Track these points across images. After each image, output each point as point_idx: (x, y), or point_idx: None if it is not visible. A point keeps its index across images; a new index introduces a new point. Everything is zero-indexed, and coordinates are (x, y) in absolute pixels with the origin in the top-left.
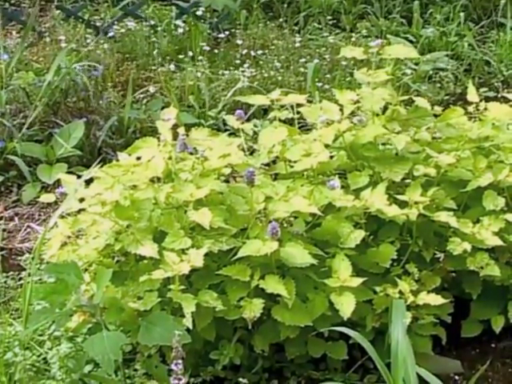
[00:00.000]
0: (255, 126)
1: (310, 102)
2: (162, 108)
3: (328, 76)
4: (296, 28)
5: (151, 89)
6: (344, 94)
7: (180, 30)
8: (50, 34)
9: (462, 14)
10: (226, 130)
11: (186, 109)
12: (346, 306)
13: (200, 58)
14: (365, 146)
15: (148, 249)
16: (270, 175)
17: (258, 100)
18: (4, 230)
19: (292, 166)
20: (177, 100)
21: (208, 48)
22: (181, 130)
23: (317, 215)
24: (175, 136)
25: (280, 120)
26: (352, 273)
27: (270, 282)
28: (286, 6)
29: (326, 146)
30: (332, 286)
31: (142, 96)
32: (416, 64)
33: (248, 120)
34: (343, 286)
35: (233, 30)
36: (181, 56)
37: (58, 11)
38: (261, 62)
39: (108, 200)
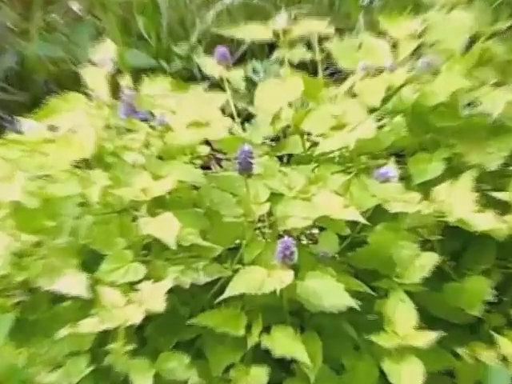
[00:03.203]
0: (254, 70)
1: (341, 31)
2: (95, 39)
3: None
4: None
5: (74, 6)
6: (397, 22)
7: None
8: None
9: None
10: (204, 80)
11: (134, 41)
12: (409, 379)
13: None
14: (437, 111)
15: (71, 282)
16: (279, 157)
17: (254, 32)
18: None
19: (314, 143)
20: (119, 26)
21: None
22: (125, 81)
23: (358, 225)
24: (116, 91)
25: (292, 65)
26: (418, 323)
27: (280, 337)
28: None
29: (372, 110)
30: (384, 345)
31: (58, 19)
32: None
33: (242, 62)
34: (403, 345)
35: None
36: None
37: None
38: None
39: (3, 199)
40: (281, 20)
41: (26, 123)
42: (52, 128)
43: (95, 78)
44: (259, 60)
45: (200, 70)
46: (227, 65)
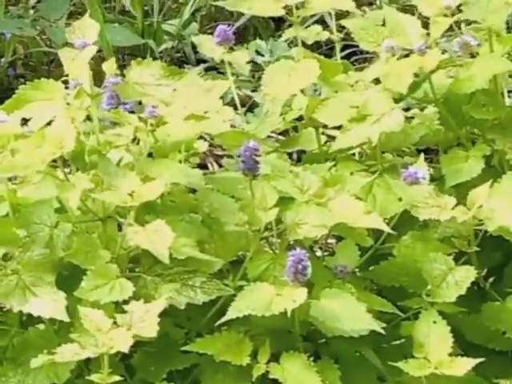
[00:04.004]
0: (258, 52)
1: (360, 5)
2: (70, 15)
3: None
4: None
5: None
6: None
7: None
8: None
9: None
10: (199, 63)
11: (119, 18)
12: None
13: None
14: (474, 100)
15: (46, 302)
16: (289, 154)
17: (263, 7)
18: None
19: (330, 138)
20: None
21: None
22: (110, 65)
23: (382, 235)
24: (100, 78)
25: (306, 45)
26: (453, 349)
27: (291, 367)
28: None
29: (399, 99)
30: (414, 374)
31: None
32: None
33: (242, 41)
34: (437, 373)
35: None
36: None
37: None
38: None
39: None
40: None
41: None
42: (25, 121)
43: (75, 62)
44: (263, 39)
45: (195, 52)
46: (229, 46)
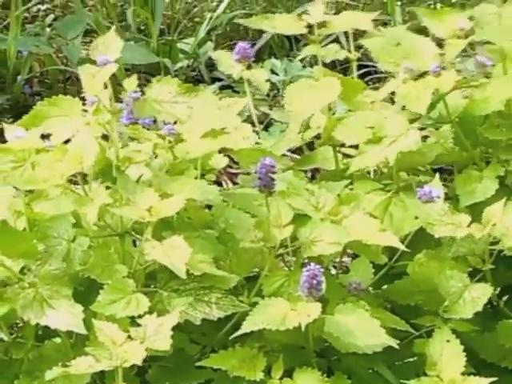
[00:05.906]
0: (273, 71)
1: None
2: (86, 33)
3: None
4: None
5: None
6: (440, 17)
7: None
8: None
9: None
10: (214, 81)
11: (134, 37)
12: None
13: None
14: (488, 121)
15: (63, 316)
16: (305, 171)
17: (284, 25)
18: None
19: (347, 156)
20: (116, 16)
21: None
22: (131, 82)
23: (397, 253)
24: (117, 95)
25: (325, 65)
26: (466, 367)
27: (304, 382)
28: None
29: (414, 119)
30: None
31: (43, 9)
32: None
33: (257, 61)
34: None
35: None
36: None
37: None
38: None
39: None
40: (315, 11)
41: (13, 130)
42: (44, 136)
43: (95, 80)
44: (278, 58)
45: (210, 70)
46: (247, 63)
